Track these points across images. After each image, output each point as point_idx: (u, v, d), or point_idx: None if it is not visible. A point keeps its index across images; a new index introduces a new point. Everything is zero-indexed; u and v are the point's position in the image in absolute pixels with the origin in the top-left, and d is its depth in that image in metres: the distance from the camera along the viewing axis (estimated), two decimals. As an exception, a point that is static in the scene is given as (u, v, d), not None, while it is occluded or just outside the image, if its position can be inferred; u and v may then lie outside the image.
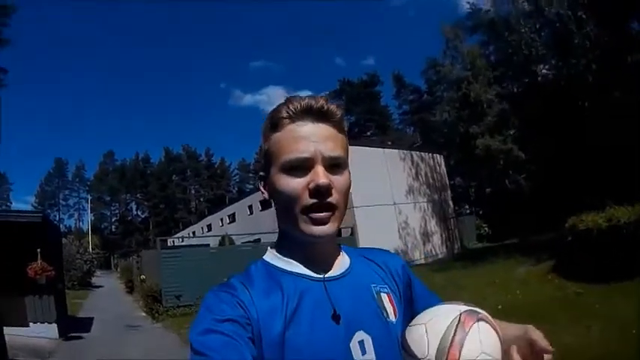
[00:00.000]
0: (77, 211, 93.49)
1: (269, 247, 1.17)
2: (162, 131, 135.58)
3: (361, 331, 1.02)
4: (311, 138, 1.01)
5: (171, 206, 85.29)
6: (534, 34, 22.70)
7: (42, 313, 11.84)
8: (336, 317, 1.00)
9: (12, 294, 10.56)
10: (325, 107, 1.03)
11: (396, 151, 26.06)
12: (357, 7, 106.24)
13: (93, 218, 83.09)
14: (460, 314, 0.97)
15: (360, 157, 22.20)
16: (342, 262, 1.14)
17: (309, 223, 1.01)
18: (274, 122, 1.06)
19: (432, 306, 1.07)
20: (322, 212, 1.00)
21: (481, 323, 0.96)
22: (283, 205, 1.04)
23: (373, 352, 1.01)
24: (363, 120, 71.05)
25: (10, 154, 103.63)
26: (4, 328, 7.72)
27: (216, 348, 0.86)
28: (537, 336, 0.95)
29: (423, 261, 23.50)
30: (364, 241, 20.68)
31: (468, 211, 33.57)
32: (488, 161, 24.16)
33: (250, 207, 34.36)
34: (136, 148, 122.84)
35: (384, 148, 26.29)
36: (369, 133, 68.37)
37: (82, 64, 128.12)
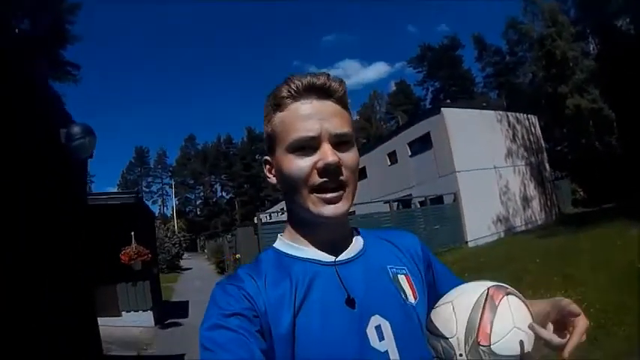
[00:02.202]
0: (161, 196, 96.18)
1: (279, 234, 1.15)
2: (243, 112, 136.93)
3: (377, 316, 0.98)
4: (316, 116, 0.99)
5: (256, 185, 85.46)
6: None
7: (136, 300, 11.46)
8: (350, 302, 0.97)
9: (103, 282, 9.95)
10: (328, 84, 1.01)
11: (492, 112, 24.54)
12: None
13: (177, 203, 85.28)
14: (488, 289, 0.94)
15: (459, 118, 21.54)
16: (355, 245, 1.11)
17: (319, 204, 0.99)
18: (277, 102, 1.03)
19: (454, 285, 1.07)
20: (332, 192, 0.98)
21: (510, 297, 0.93)
22: (291, 186, 1.01)
23: (392, 338, 0.97)
24: (448, 85, 69.54)
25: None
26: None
27: (223, 344, 0.85)
28: (565, 302, 0.94)
29: (524, 227, 22.42)
30: (468, 208, 20.25)
31: (561, 175, 32.00)
32: (579, 121, 23.33)
33: None
34: (217, 131, 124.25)
35: (480, 109, 24.73)
36: (454, 98, 67.29)
37: (156, 51, 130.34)
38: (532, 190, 24.41)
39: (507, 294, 0.93)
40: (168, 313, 12.47)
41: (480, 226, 20.28)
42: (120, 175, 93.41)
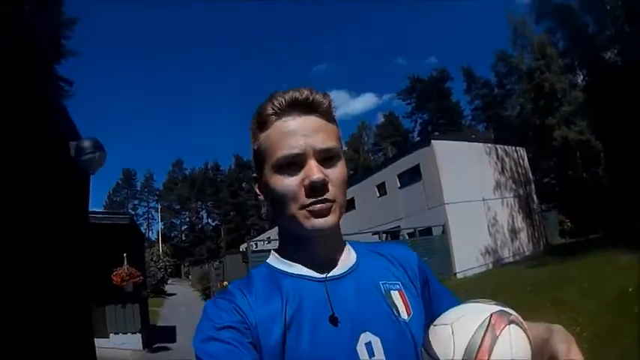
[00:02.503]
0: (146, 220, 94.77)
1: (272, 250, 1.15)
2: (231, 139, 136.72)
3: (367, 333, 0.97)
4: (300, 132, 0.99)
5: (242, 213, 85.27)
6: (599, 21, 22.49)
7: (125, 322, 11.40)
8: (333, 320, 0.96)
9: (93, 302, 9.73)
10: (311, 98, 1.01)
11: (482, 144, 24.98)
12: (417, 6, 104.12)
13: (163, 227, 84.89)
14: (491, 315, 0.89)
15: (449, 150, 21.90)
16: (347, 260, 1.10)
17: (309, 217, 0.98)
18: (261, 120, 1.04)
19: (451, 304, 1.00)
20: (321, 204, 0.97)
21: (512, 326, 0.88)
22: (280, 205, 1.01)
23: (383, 354, 0.96)
24: (436, 118, 70.39)
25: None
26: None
27: (216, 355, 0.86)
28: (561, 348, 0.85)
29: (511, 259, 22.63)
30: (456, 239, 20.43)
31: (548, 207, 32.45)
32: (566, 153, 23.73)
33: None
34: (205, 157, 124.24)
35: (469, 141, 25.19)
36: (442, 131, 68.12)
37: (146, 74, 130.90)
38: (520, 222, 24.65)
39: (510, 322, 0.89)
40: (156, 337, 12.37)
41: (468, 257, 20.43)
42: (106, 196, 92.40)
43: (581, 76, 26.51)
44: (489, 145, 25.26)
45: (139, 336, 11.34)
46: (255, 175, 1.10)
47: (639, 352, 5.51)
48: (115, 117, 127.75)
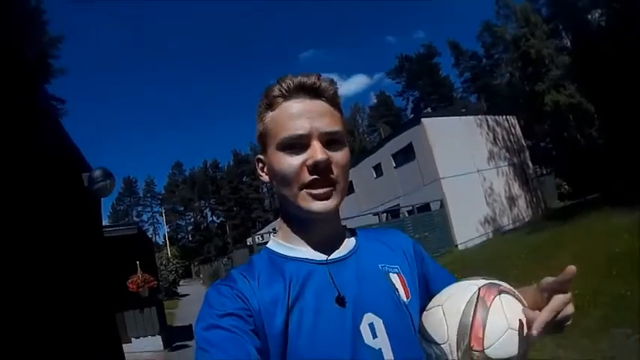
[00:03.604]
0: (152, 225, 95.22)
1: (272, 235, 1.20)
2: (226, 135, 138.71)
3: (370, 314, 0.99)
4: (306, 114, 1.00)
5: (246, 207, 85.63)
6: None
7: (144, 326, 11.78)
8: (340, 300, 0.98)
9: (113, 310, 10.23)
10: (318, 83, 1.03)
11: (472, 117, 25.28)
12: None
13: (169, 230, 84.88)
14: (479, 289, 0.90)
15: (439, 127, 22.28)
16: (347, 243, 1.12)
17: (308, 200, 0.99)
18: (268, 102, 1.05)
19: (449, 284, 1.03)
20: (322, 188, 0.99)
21: (503, 296, 0.89)
22: (282, 183, 1.03)
23: (386, 335, 0.98)
24: (427, 94, 70.36)
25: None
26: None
27: (217, 343, 0.85)
28: (550, 279, 0.93)
29: (512, 226, 22.98)
30: (455, 213, 20.90)
31: (545, 172, 32.54)
32: (558, 117, 24.28)
33: None
34: (203, 156, 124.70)
35: (459, 116, 25.56)
36: (434, 106, 67.83)
37: (137, 81, 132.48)
38: (517, 189, 24.99)
39: (500, 292, 0.90)
40: (175, 337, 12.76)
41: (468, 228, 20.89)
42: (110, 207, 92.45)
43: (567, 40, 26.42)
44: (480, 117, 25.57)
45: (159, 337, 11.79)
46: (259, 156, 1.13)
47: (617, 312, 5.89)
48: (110, 127, 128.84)
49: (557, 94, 23.68)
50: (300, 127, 0.99)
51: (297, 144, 0.99)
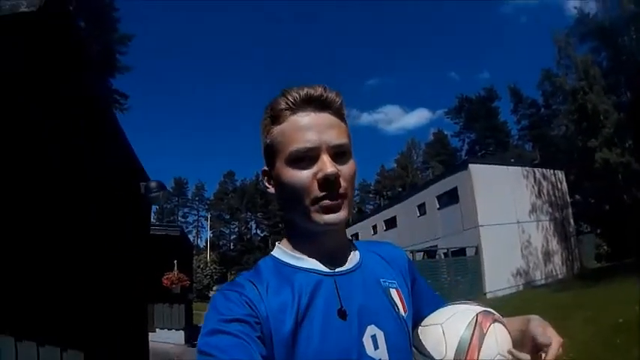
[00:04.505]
0: (196, 228, 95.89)
1: (277, 243, 1.14)
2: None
3: (373, 326, 1.01)
4: (314, 127, 1.00)
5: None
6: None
7: (170, 320, 12.51)
8: (341, 313, 0.98)
9: (145, 302, 11.05)
10: (324, 95, 1.02)
11: (519, 168, 25.34)
12: (469, 19, 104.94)
13: (212, 235, 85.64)
14: (477, 315, 0.98)
15: (485, 175, 22.51)
16: (352, 256, 1.12)
17: (320, 213, 0.99)
18: (275, 114, 1.05)
19: (437, 305, 1.13)
20: (332, 200, 0.99)
21: (497, 324, 0.98)
22: (292, 197, 1.02)
23: (386, 347, 1.00)
24: (484, 137, 69.76)
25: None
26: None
27: (223, 348, 0.83)
28: (538, 331, 0.97)
29: (543, 281, 22.80)
30: (488, 261, 20.93)
31: (587, 230, 31.89)
32: (607, 176, 23.79)
33: (374, 227, 34.81)
34: (255, 169, 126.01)
35: (507, 165, 25.68)
36: (489, 150, 67.04)
37: (202, 86, 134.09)
38: (554, 245, 24.80)
39: (494, 321, 0.98)
40: (197, 335, 13.35)
41: (499, 278, 20.91)
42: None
43: (625, 97, 25.78)
44: (527, 168, 25.54)
45: (182, 332, 12.54)
46: (265, 168, 1.12)
47: None
48: (169, 127, 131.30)
49: (609, 151, 23.27)
50: (309, 140, 0.99)
51: (306, 157, 0.99)
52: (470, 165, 22.98)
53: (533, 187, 25.02)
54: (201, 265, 35.78)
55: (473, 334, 0.94)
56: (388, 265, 1.18)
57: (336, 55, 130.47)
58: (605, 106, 24.20)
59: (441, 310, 1.08)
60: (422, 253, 24.08)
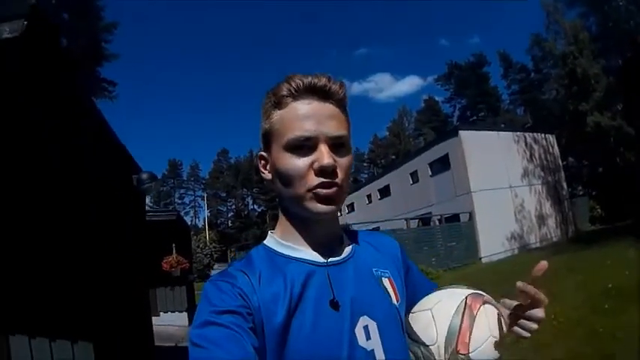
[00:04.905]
0: (193, 208, 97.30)
1: (269, 232, 1.15)
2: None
3: (365, 317, 1.01)
4: (315, 117, 1.00)
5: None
6: (632, 6, 21.78)
7: (173, 303, 12.84)
8: (334, 304, 0.99)
9: (147, 287, 11.30)
10: (328, 85, 1.02)
11: (510, 133, 25.43)
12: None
13: (209, 214, 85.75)
14: (466, 297, 0.99)
15: (476, 141, 22.56)
16: (345, 246, 1.13)
17: (314, 201, 0.99)
18: (276, 100, 1.04)
19: (430, 291, 1.12)
20: (327, 189, 0.99)
21: (487, 306, 0.98)
22: (287, 184, 1.02)
23: (378, 337, 1.00)
24: (474, 103, 69.91)
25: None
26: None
27: (215, 340, 0.84)
28: (530, 289, 0.99)
29: (538, 244, 23.05)
30: (482, 226, 21.14)
31: (580, 193, 32.10)
32: (599, 139, 23.82)
33: (369, 196, 34.92)
34: (250, 145, 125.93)
35: (497, 131, 25.74)
36: (480, 115, 66.89)
37: (189, 66, 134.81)
38: (548, 208, 25.05)
39: (484, 303, 0.97)
40: None
41: (494, 243, 21.20)
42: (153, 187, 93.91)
43: (615, 61, 25.65)
44: (518, 133, 25.69)
45: (185, 314, 12.79)
46: (262, 153, 1.12)
47: (590, 347, 5.95)
48: (160, 110, 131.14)
49: (600, 115, 23.22)
50: (308, 129, 0.98)
51: (303, 145, 0.99)
52: (460, 132, 23.05)
53: (524, 151, 25.16)
54: (201, 245, 35.91)
55: (463, 317, 0.95)
56: (381, 255, 1.19)
57: (325, 25, 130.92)
58: (594, 70, 24.17)
59: (430, 295, 1.08)
60: (417, 220, 24.33)
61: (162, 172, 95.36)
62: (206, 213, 79.06)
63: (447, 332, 0.94)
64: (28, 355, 3.35)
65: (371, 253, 1.17)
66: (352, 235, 1.20)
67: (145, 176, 6.04)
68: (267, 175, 1.11)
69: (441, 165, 24.33)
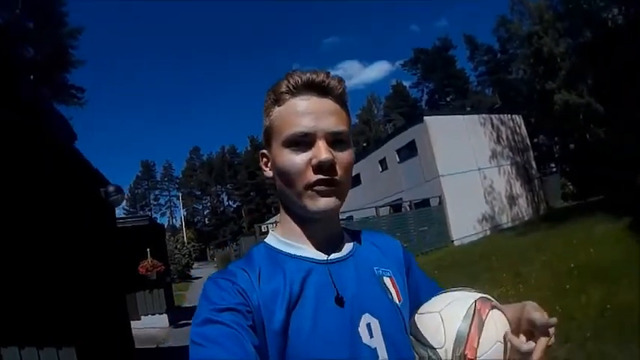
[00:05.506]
0: (169, 208, 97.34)
1: (270, 230, 1.15)
2: (245, 121, 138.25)
3: (367, 314, 1.01)
4: (313, 113, 1.00)
5: (261, 193, 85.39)
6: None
7: (152, 305, 13.08)
8: (339, 300, 0.99)
9: (125, 291, 11.49)
10: (326, 81, 1.02)
11: (476, 116, 25.60)
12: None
13: (185, 213, 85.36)
14: (475, 301, 0.98)
15: (441, 125, 22.75)
16: (346, 244, 1.13)
17: (312, 198, 1.00)
18: (275, 97, 1.05)
19: (434, 292, 1.10)
20: (326, 186, 0.99)
21: (495, 311, 0.97)
22: (286, 181, 1.03)
23: (381, 336, 1.00)
24: (442, 86, 70.58)
25: (99, 163, 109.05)
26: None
27: (214, 338, 0.83)
28: (536, 315, 0.92)
29: (510, 224, 23.26)
30: (453, 209, 21.39)
31: (553, 170, 32.49)
32: (568, 117, 23.86)
33: None
34: (221, 142, 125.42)
35: (463, 114, 26.00)
36: (448, 99, 67.47)
37: (154, 67, 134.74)
38: (518, 188, 25.33)
39: (492, 307, 0.97)
40: (181, 316, 13.83)
41: (465, 225, 21.52)
42: (128, 190, 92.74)
43: (582, 38, 25.65)
44: (484, 115, 25.90)
45: (165, 316, 13.11)
46: (263, 150, 1.12)
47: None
48: (128, 113, 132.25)
49: (568, 93, 23.17)
50: (305, 125, 0.99)
51: (302, 142, 0.99)
52: (425, 117, 23.23)
53: (491, 133, 25.41)
54: (179, 246, 35.67)
55: (472, 322, 0.94)
56: (382, 254, 1.18)
57: (292, 15, 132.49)
58: (560, 49, 24.20)
59: (438, 297, 1.06)
60: (387, 207, 24.58)
61: (135, 174, 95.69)
62: (182, 212, 79.05)
63: (456, 336, 0.93)
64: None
65: (372, 252, 1.17)
66: (353, 234, 1.20)
67: (111, 189, 6.41)
68: (269, 173, 1.11)
69: (409, 151, 24.47)
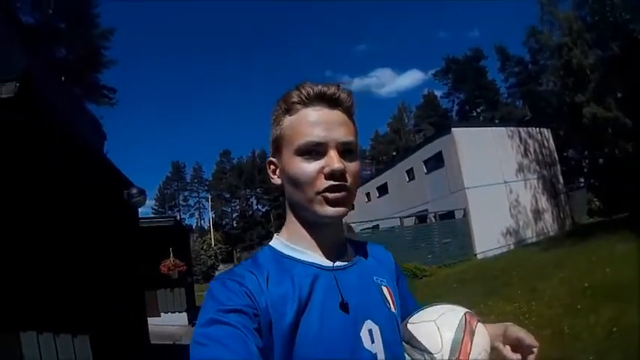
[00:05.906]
0: (198, 210, 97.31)
1: (275, 235, 1.16)
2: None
3: (369, 321, 1.03)
4: (325, 123, 1.03)
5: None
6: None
7: (173, 304, 13.43)
8: (344, 306, 1.01)
9: (146, 288, 11.76)
10: (337, 94, 1.05)
11: (504, 129, 25.31)
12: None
13: (214, 216, 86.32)
14: (465, 314, 1.07)
15: (468, 137, 22.61)
16: (349, 252, 1.15)
17: (323, 204, 1.01)
18: (287, 107, 1.07)
19: (415, 306, 1.22)
20: (336, 193, 1.01)
21: (480, 324, 1.06)
22: (297, 188, 1.04)
23: (381, 341, 1.03)
24: (473, 97, 69.71)
25: (129, 162, 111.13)
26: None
27: (220, 338, 0.84)
28: (522, 334, 1.02)
29: (535, 239, 22.81)
30: (477, 222, 21.15)
31: (582, 185, 31.87)
32: (596, 131, 23.15)
33: (368, 194, 34.54)
34: (252, 146, 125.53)
35: (491, 127, 25.74)
36: (479, 110, 66.84)
37: (190, 69, 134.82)
38: (544, 203, 24.90)
39: (478, 321, 1.06)
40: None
41: (488, 239, 21.26)
42: (157, 190, 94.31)
43: (611, 51, 25.18)
44: (512, 128, 25.54)
45: (184, 314, 13.44)
46: (271, 158, 1.14)
47: (552, 348, 5.75)
48: (161, 113, 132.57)
49: (596, 106, 22.97)
50: (318, 134, 1.01)
51: (314, 150, 1.01)
52: (453, 129, 23.19)
53: (519, 146, 25.05)
54: (205, 247, 35.94)
55: (465, 331, 1.02)
56: (379, 264, 1.21)
57: (325, 22, 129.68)
58: (589, 61, 23.57)
59: (428, 309, 1.13)
60: (413, 218, 24.43)
61: (165, 175, 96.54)
62: (210, 214, 79.36)
63: (452, 342, 1.00)
64: (37, 349, 3.90)
65: (371, 262, 1.20)
66: (354, 244, 1.23)
67: (134, 191, 6.74)
68: (277, 180, 1.12)
69: (436, 162, 24.38)
